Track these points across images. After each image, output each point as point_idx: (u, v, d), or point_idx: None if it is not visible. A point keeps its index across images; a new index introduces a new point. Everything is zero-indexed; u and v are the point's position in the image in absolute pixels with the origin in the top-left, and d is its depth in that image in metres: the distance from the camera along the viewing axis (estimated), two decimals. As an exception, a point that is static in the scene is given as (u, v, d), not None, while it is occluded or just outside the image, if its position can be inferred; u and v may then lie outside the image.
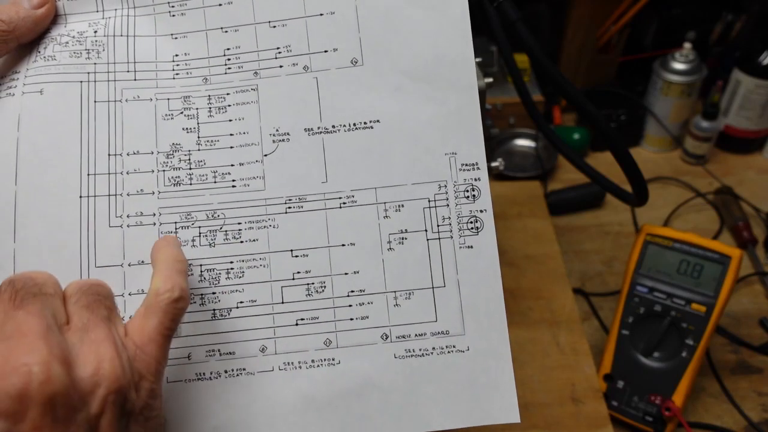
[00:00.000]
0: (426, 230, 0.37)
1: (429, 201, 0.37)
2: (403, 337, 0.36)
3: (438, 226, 0.37)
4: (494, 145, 0.87)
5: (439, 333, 0.36)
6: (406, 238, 0.37)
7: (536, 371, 0.59)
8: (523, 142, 0.88)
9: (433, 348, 0.36)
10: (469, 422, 0.36)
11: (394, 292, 0.37)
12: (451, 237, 0.37)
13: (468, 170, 0.37)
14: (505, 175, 0.82)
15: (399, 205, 0.37)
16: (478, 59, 0.54)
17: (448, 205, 0.37)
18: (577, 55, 0.90)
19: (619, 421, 0.57)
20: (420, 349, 0.36)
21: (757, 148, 0.88)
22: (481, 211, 0.37)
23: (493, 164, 0.57)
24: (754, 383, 0.60)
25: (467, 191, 0.37)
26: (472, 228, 0.37)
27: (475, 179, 0.37)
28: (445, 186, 0.37)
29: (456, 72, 0.38)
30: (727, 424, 0.57)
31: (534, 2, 0.89)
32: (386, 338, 0.36)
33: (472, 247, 0.37)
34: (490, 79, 0.52)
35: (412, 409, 0.36)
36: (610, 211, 0.80)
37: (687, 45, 0.82)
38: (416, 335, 0.36)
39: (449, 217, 0.37)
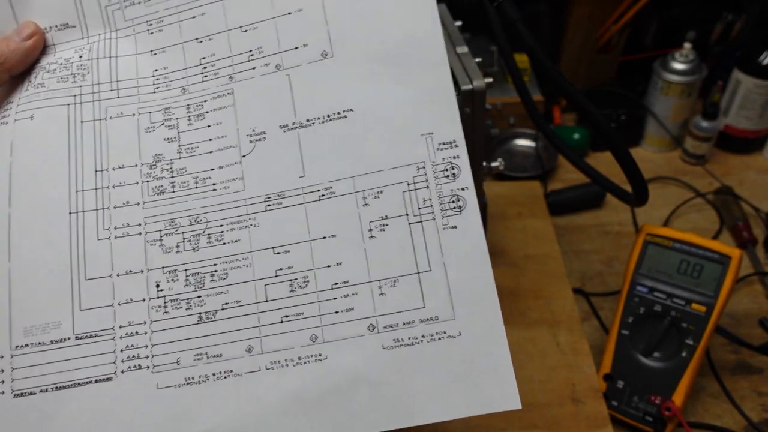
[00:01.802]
0: (407, 214, 0.36)
1: (408, 184, 0.37)
2: (391, 326, 0.35)
3: (419, 208, 0.36)
4: (494, 145, 0.87)
5: (428, 319, 0.35)
6: (387, 225, 0.36)
7: (536, 371, 0.59)
8: (523, 142, 0.88)
9: (423, 336, 0.35)
10: (466, 412, 0.34)
11: (379, 280, 0.36)
12: (434, 219, 0.36)
13: (446, 149, 0.37)
14: (505, 175, 0.82)
15: (378, 192, 0.37)
16: (477, 59, 0.54)
17: (428, 187, 0.36)
18: (577, 55, 0.90)
19: (619, 421, 0.57)
20: (409, 338, 0.35)
21: (757, 148, 0.88)
22: (463, 189, 0.36)
23: (493, 164, 0.57)
24: (754, 383, 0.60)
25: (447, 170, 0.36)
26: (454, 207, 0.36)
27: (454, 157, 0.36)
28: (424, 167, 0.37)
29: (425, 52, 0.38)
30: (727, 424, 0.57)
31: (534, 2, 0.89)
32: (373, 329, 0.36)
33: (456, 227, 0.36)
34: (490, 79, 0.52)
35: (405, 401, 0.35)
36: (610, 211, 0.80)
37: (687, 45, 0.82)
38: (404, 323, 0.35)
39: (430, 199, 0.36)
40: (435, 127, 0.37)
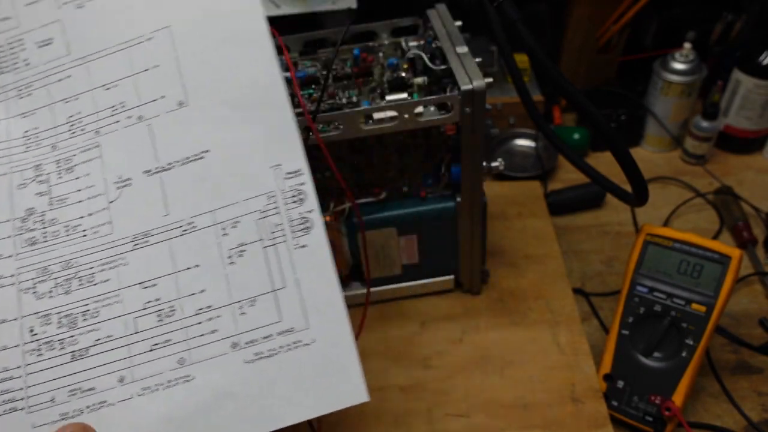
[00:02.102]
0: (262, 239, 0.40)
1: (261, 212, 0.41)
2: (252, 341, 0.39)
3: (272, 233, 0.40)
4: (494, 145, 0.87)
5: (284, 331, 0.39)
6: (245, 251, 0.40)
7: (536, 371, 0.59)
8: (523, 142, 0.88)
9: (281, 346, 0.38)
10: (321, 410, 0.37)
11: (239, 301, 0.39)
12: (285, 241, 0.40)
13: (292, 177, 0.41)
14: (505, 175, 0.82)
15: (235, 222, 0.41)
16: (477, 59, 0.54)
17: (278, 213, 0.40)
18: (577, 55, 0.90)
19: (619, 421, 0.57)
20: (269, 350, 0.38)
21: (757, 148, 0.88)
22: (310, 212, 0.40)
23: (493, 164, 0.57)
24: (754, 383, 0.60)
25: (294, 196, 0.40)
26: (303, 228, 0.40)
27: (300, 184, 0.41)
28: (274, 196, 0.41)
29: (268, 94, 0.42)
30: (727, 424, 0.57)
31: (534, 2, 0.89)
32: (236, 346, 0.39)
33: (305, 246, 0.40)
34: (490, 79, 0.52)
35: (268, 408, 0.38)
36: (610, 211, 0.80)
37: (687, 45, 0.82)
38: (263, 338, 0.39)
39: (281, 223, 0.40)
40: (282, 160, 0.41)
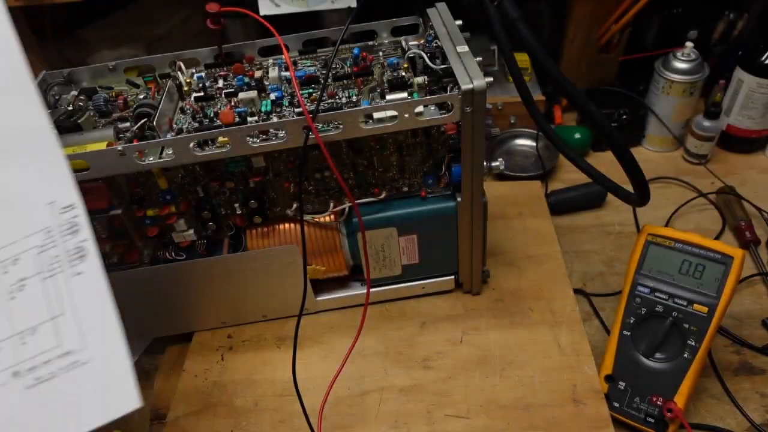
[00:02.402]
0: (41, 272, 0.42)
1: (40, 247, 0.43)
2: (32, 368, 0.41)
3: (50, 264, 0.43)
4: (494, 145, 0.87)
5: (63, 354, 0.41)
6: (25, 285, 0.42)
7: (537, 372, 0.59)
8: (523, 142, 0.88)
9: (60, 369, 0.41)
10: (101, 420, 0.40)
11: (21, 333, 0.42)
12: (63, 270, 0.42)
13: (67, 212, 0.43)
14: (505, 174, 0.82)
15: (15, 260, 0.43)
16: (478, 58, 0.54)
17: (56, 245, 0.43)
18: (578, 55, 0.89)
19: (621, 422, 0.56)
20: (48, 374, 0.41)
21: (759, 147, 0.87)
22: (84, 241, 0.43)
23: (494, 164, 0.57)
24: (757, 384, 0.60)
25: (69, 228, 0.43)
26: (79, 257, 0.43)
27: (74, 217, 0.43)
28: (50, 231, 0.43)
29: (36, 137, 0.45)
30: (729, 426, 0.57)
31: (535, 1, 0.89)
32: (17, 375, 0.41)
33: (81, 273, 0.42)
34: (491, 79, 0.52)
35: (50, 427, 0.40)
36: (611, 211, 0.80)
37: (689, 44, 0.82)
38: (43, 363, 0.41)
39: (59, 255, 0.43)
40: (56, 196, 0.44)
